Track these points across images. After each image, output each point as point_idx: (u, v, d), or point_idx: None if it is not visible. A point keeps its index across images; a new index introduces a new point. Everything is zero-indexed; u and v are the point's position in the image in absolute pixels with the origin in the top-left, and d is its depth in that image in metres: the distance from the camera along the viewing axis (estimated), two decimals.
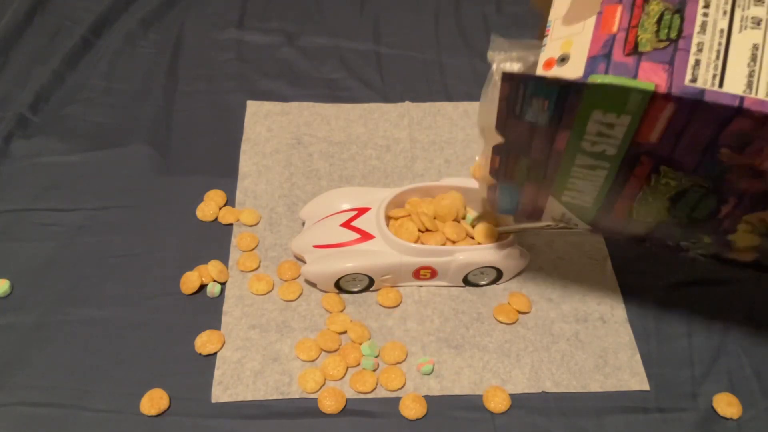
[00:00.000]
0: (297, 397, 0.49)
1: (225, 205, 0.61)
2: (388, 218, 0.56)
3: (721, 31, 0.33)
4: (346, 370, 0.51)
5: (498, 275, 0.55)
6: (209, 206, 0.60)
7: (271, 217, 0.61)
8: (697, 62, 0.32)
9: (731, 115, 0.32)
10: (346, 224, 0.55)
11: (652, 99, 0.32)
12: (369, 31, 0.81)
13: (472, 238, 0.55)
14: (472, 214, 0.57)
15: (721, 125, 0.32)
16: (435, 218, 0.55)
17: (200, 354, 0.51)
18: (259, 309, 0.54)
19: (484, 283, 0.56)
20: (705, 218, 0.40)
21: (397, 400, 0.49)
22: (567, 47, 0.35)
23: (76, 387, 0.49)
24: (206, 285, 0.55)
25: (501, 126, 0.39)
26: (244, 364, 0.51)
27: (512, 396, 0.49)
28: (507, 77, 0.35)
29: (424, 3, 0.85)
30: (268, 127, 0.69)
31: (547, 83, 0.34)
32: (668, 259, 0.59)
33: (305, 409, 0.49)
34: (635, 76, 0.32)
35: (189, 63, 0.75)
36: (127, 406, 0.48)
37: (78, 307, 0.53)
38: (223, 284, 0.56)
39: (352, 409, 0.49)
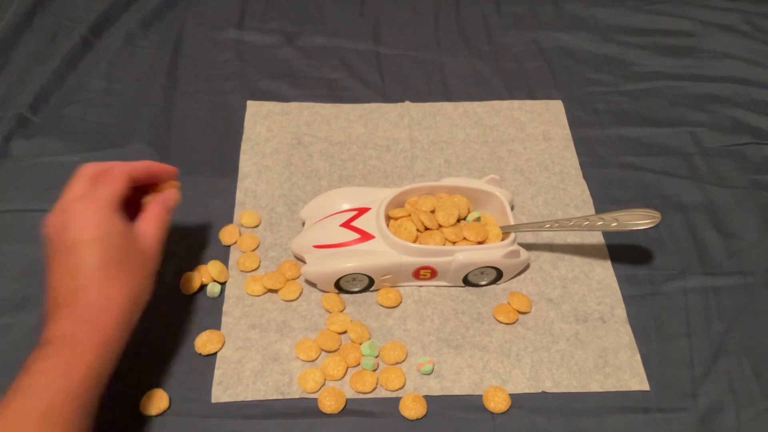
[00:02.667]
0: (297, 397, 0.49)
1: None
2: (388, 218, 0.56)
3: None
4: (346, 370, 0.51)
5: (498, 275, 0.55)
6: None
7: (271, 217, 0.61)
8: None
9: None
10: (346, 224, 0.55)
11: None
12: (369, 31, 0.81)
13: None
14: (472, 216, 0.57)
15: None
16: (433, 212, 0.55)
17: (200, 354, 0.51)
18: (259, 309, 0.54)
19: (484, 283, 0.56)
20: None
21: (397, 400, 0.49)
22: None
23: None
24: (206, 285, 0.55)
25: None
26: (244, 364, 0.51)
27: (512, 396, 0.49)
28: None
29: (424, 3, 0.85)
30: (268, 127, 0.68)
31: None
32: (669, 259, 0.59)
33: (305, 409, 0.49)
34: None
35: (189, 63, 0.75)
36: (127, 406, 0.48)
37: None
38: (223, 284, 0.56)
39: (352, 409, 0.49)
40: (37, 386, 0.38)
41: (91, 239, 0.42)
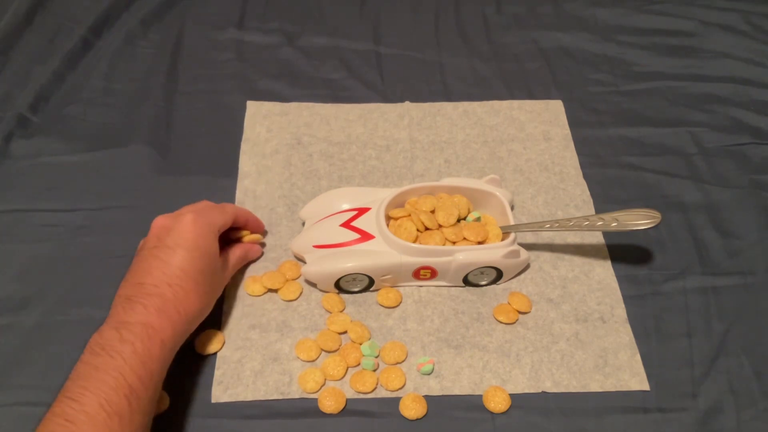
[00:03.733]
0: (297, 397, 0.49)
1: None
2: (388, 218, 0.56)
3: None
4: (346, 370, 0.51)
5: (498, 275, 0.55)
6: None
7: (271, 217, 0.61)
8: None
9: None
10: (346, 224, 0.55)
11: None
12: (369, 31, 0.81)
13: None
14: (472, 216, 0.57)
15: None
16: (433, 212, 0.55)
17: (200, 354, 0.51)
18: (259, 309, 0.54)
19: (484, 283, 0.56)
20: None
21: (397, 400, 0.49)
22: None
23: None
24: None
25: None
26: (244, 364, 0.51)
27: (512, 396, 0.49)
28: None
29: (424, 3, 0.85)
30: (268, 127, 0.68)
31: None
32: (669, 259, 0.59)
33: (305, 409, 0.49)
34: None
35: (189, 63, 0.75)
36: None
37: (78, 307, 0.53)
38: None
39: (352, 409, 0.49)
40: (118, 368, 0.40)
41: (192, 246, 0.47)
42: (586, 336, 0.53)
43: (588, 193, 0.64)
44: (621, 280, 0.57)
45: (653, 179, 0.65)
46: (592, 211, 0.62)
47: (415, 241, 0.54)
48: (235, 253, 0.54)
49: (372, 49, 0.78)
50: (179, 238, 0.47)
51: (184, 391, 0.49)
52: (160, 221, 0.49)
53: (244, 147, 0.66)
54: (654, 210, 0.54)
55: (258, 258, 0.57)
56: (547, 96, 0.73)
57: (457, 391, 0.50)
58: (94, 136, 0.66)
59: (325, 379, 0.50)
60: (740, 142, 0.69)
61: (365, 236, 0.54)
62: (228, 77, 0.74)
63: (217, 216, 0.51)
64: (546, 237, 0.60)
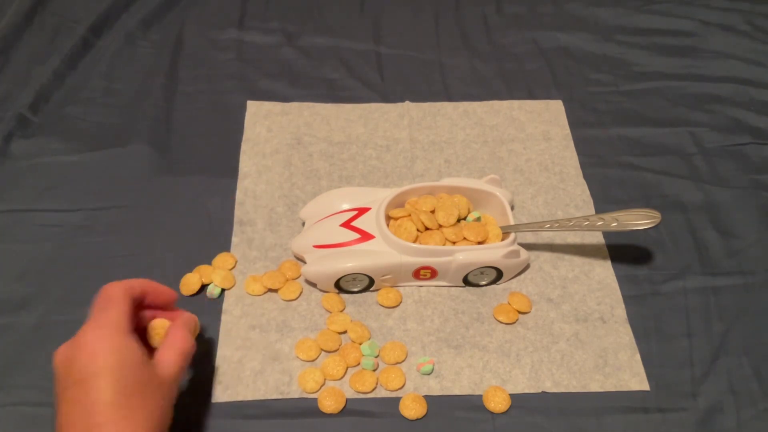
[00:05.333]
0: (297, 396, 0.49)
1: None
2: (388, 218, 0.56)
3: None
4: (346, 370, 0.51)
5: (498, 275, 0.55)
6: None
7: (271, 217, 0.61)
8: None
9: None
10: (346, 224, 0.55)
11: None
12: (369, 31, 0.81)
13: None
14: (472, 216, 0.57)
15: None
16: (433, 212, 0.55)
17: (200, 353, 0.51)
18: (259, 309, 0.54)
19: (484, 283, 0.56)
20: None
21: (397, 400, 0.49)
22: None
23: None
24: (206, 285, 0.55)
25: None
26: (244, 364, 0.51)
27: (512, 396, 0.49)
28: None
29: (424, 3, 0.85)
30: (268, 127, 0.68)
31: None
32: (669, 259, 0.59)
33: (305, 409, 0.49)
34: None
35: (189, 63, 0.75)
36: None
37: (78, 307, 0.53)
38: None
39: (352, 409, 0.49)
40: None
41: (103, 368, 0.37)
42: (586, 336, 0.53)
43: (588, 193, 0.64)
44: (621, 280, 0.57)
45: (653, 179, 0.65)
46: (592, 211, 0.62)
47: (415, 241, 0.54)
48: (173, 338, 0.44)
49: (372, 49, 0.78)
50: (88, 365, 0.38)
51: (184, 391, 0.49)
52: (59, 355, 0.40)
53: (244, 147, 0.66)
54: (654, 210, 0.54)
55: (196, 327, 0.48)
56: (547, 96, 0.73)
57: (457, 391, 0.50)
58: (94, 136, 0.66)
59: (325, 379, 0.50)
60: (740, 142, 0.69)
61: (365, 236, 0.54)
62: (228, 77, 0.74)
63: (111, 311, 0.41)
64: (546, 237, 0.60)
